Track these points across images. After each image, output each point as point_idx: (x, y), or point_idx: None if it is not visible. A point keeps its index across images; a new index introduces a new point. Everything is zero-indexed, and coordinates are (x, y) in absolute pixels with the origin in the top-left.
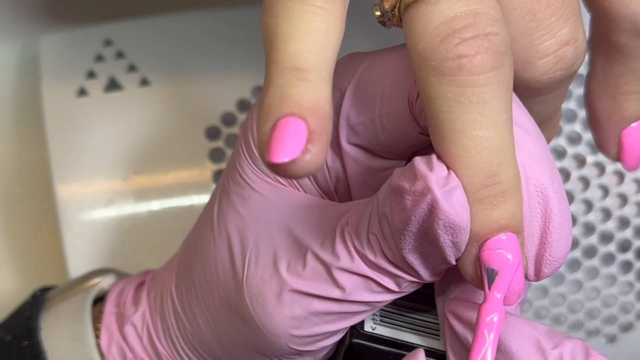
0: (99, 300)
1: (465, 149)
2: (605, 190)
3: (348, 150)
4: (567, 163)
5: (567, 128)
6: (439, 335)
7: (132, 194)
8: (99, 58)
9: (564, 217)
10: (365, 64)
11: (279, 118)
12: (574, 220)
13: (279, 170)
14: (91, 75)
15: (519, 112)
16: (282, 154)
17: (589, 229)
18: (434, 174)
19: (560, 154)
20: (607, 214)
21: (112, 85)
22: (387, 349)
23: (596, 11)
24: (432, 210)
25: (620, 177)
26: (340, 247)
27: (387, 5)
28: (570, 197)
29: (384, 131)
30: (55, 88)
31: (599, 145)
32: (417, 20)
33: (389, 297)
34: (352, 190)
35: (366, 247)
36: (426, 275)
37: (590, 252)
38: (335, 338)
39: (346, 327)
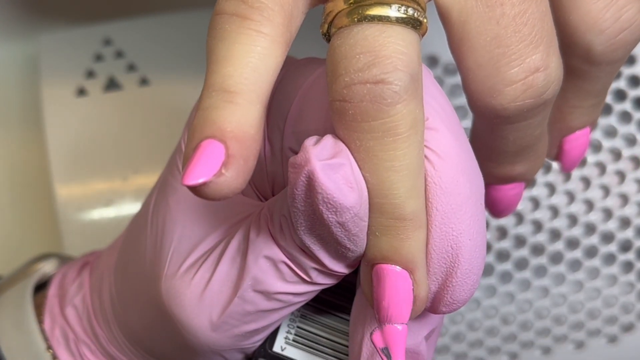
0: (45, 285)
1: None
2: (606, 191)
3: (289, 156)
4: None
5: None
6: (347, 356)
7: (131, 194)
8: (99, 57)
9: (473, 264)
10: (319, 71)
11: (202, 140)
12: (575, 221)
13: (195, 191)
14: (91, 74)
15: (460, 153)
16: (195, 176)
17: (590, 229)
18: (317, 148)
19: None
20: (608, 214)
21: (112, 84)
22: None
23: (559, 37)
24: (310, 183)
25: (621, 177)
26: (253, 232)
27: (321, 32)
28: (571, 197)
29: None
30: (54, 87)
31: None
32: (329, 52)
33: (304, 289)
34: None
35: (277, 230)
36: (330, 263)
37: (591, 252)
38: (259, 336)
39: (272, 323)
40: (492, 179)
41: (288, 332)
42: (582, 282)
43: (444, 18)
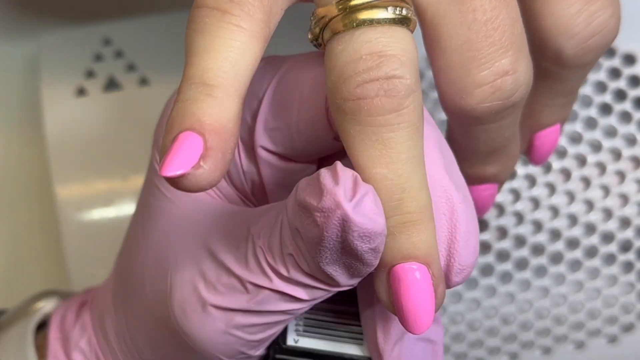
0: (44, 325)
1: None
2: (606, 191)
3: (262, 155)
4: (568, 163)
5: (568, 128)
6: (362, 340)
7: (131, 194)
8: (98, 57)
9: (470, 225)
10: (285, 67)
11: (180, 132)
12: (575, 220)
13: (173, 183)
14: (90, 74)
15: (429, 129)
16: (174, 168)
17: (590, 229)
18: (340, 188)
19: (561, 153)
20: (608, 214)
21: (112, 84)
22: None
23: (528, 34)
24: (345, 224)
25: (622, 177)
26: (252, 264)
27: (310, 36)
28: (571, 197)
29: (300, 136)
30: (54, 87)
31: None
32: (329, 57)
33: (308, 304)
34: (267, 193)
35: (279, 263)
36: (345, 283)
37: (591, 252)
38: (264, 345)
39: (275, 332)
40: (466, 179)
41: (297, 324)
42: (582, 282)
43: (420, 18)
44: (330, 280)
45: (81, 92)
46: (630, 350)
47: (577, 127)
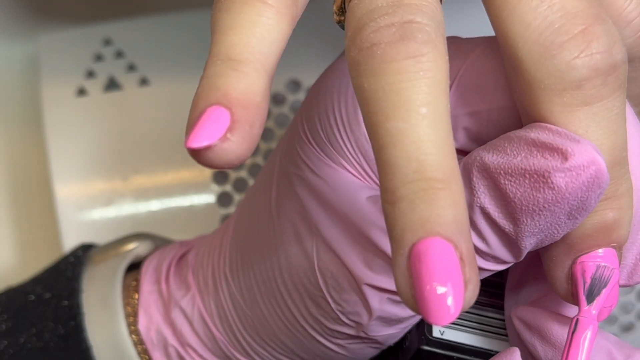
0: (134, 266)
1: (381, 143)
2: None
3: (465, 138)
4: None
5: None
6: (507, 336)
7: (131, 194)
8: (99, 57)
9: None
10: (477, 51)
11: (207, 106)
12: None
13: (199, 157)
14: (91, 74)
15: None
16: (200, 139)
17: None
18: (587, 143)
19: None
20: None
21: (112, 84)
22: (455, 355)
23: None
24: (596, 182)
25: None
26: None
27: (334, 8)
28: None
29: (489, 124)
30: (54, 87)
31: None
32: (348, 15)
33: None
34: None
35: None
36: (520, 258)
37: None
38: (411, 322)
39: None
40: None
41: None
42: None
43: None
44: (513, 255)
45: (81, 92)
46: None
47: None
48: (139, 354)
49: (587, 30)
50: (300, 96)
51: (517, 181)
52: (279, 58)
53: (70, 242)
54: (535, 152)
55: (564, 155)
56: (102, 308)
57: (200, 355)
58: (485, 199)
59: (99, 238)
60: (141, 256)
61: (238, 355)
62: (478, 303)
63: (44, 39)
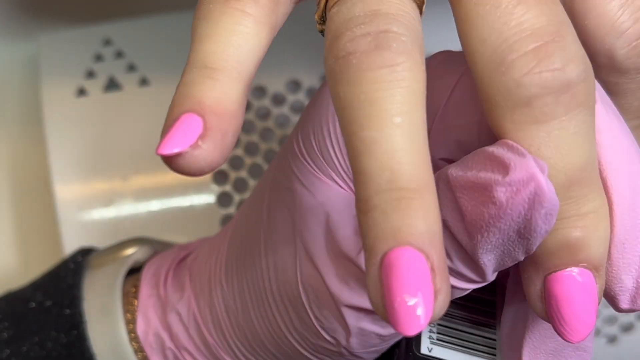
0: (134, 270)
1: (356, 152)
2: None
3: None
4: None
5: None
6: (495, 355)
7: (132, 194)
8: (99, 57)
9: None
10: (462, 70)
11: (181, 114)
12: None
13: (170, 164)
14: (90, 74)
15: (607, 112)
16: (171, 146)
17: None
18: (530, 158)
19: None
20: None
21: (112, 85)
22: None
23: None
24: (536, 199)
25: None
26: None
27: (316, 17)
28: None
29: (482, 137)
30: (54, 87)
31: None
32: (327, 25)
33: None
34: None
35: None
36: (490, 276)
37: None
38: (393, 339)
39: None
40: None
41: (430, 331)
42: None
43: None
44: (476, 273)
45: (81, 92)
46: (630, 350)
47: None
48: None
49: (540, 48)
50: (300, 96)
51: (468, 194)
52: (257, 66)
53: (70, 242)
54: (487, 166)
55: (505, 169)
56: (103, 315)
57: (195, 359)
58: (447, 212)
59: (99, 238)
60: (140, 261)
61: None
62: (467, 320)
63: (43, 39)
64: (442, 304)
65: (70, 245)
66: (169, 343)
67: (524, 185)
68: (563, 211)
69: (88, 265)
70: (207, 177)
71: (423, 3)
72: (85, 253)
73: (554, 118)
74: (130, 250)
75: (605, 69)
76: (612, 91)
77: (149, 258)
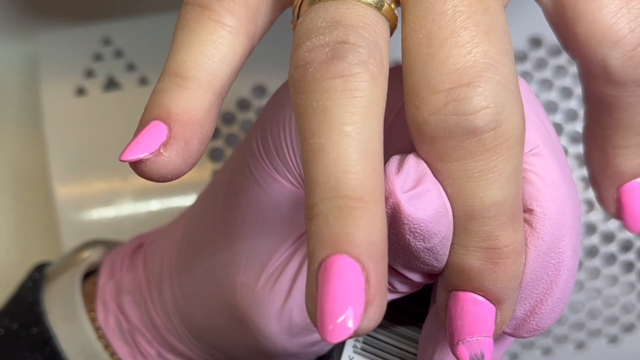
0: (93, 272)
1: (306, 159)
2: None
3: None
4: (569, 162)
5: (568, 127)
6: None
7: (131, 194)
8: (98, 57)
9: (565, 294)
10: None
11: (149, 121)
12: None
13: (135, 169)
14: (90, 74)
15: (567, 183)
16: (134, 152)
17: (591, 229)
18: (400, 177)
19: None
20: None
21: (111, 84)
22: None
23: (575, 59)
24: (395, 215)
25: None
26: None
27: (291, 26)
28: None
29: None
30: (54, 87)
31: (599, 201)
32: (294, 34)
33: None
34: None
35: None
36: (414, 277)
37: (591, 252)
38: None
39: None
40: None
41: (356, 339)
42: (582, 282)
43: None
44: (400, 276)
45: (81, 91)
46: (630, 350)
47: (577, 126)
48: (110, 356)
49: (452, 90)
50: None
51: None
52: (233, 76)
53: (70, 241)
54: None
55: (389, 178)
56: (68, 323)
57: (148, 341)
58: None
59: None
60: (96, 263)
61: (178, 344)
62: (395, 333)
63: (43, 39)
64: (372, 316)
65: (70, 244)
66: (125, 324)
67: (386, 199)
68: (463, 240)
69: (46, 279)
70: (207, 177)
71: (396, 18)
72: (40, 268)
73: (457, 160)
74: (85, 254)
75: (600, 80)
76: (611, 104)
77: (106, 256)
